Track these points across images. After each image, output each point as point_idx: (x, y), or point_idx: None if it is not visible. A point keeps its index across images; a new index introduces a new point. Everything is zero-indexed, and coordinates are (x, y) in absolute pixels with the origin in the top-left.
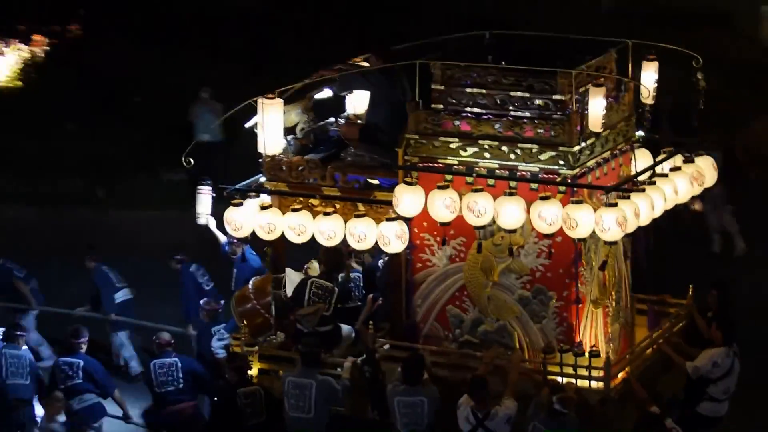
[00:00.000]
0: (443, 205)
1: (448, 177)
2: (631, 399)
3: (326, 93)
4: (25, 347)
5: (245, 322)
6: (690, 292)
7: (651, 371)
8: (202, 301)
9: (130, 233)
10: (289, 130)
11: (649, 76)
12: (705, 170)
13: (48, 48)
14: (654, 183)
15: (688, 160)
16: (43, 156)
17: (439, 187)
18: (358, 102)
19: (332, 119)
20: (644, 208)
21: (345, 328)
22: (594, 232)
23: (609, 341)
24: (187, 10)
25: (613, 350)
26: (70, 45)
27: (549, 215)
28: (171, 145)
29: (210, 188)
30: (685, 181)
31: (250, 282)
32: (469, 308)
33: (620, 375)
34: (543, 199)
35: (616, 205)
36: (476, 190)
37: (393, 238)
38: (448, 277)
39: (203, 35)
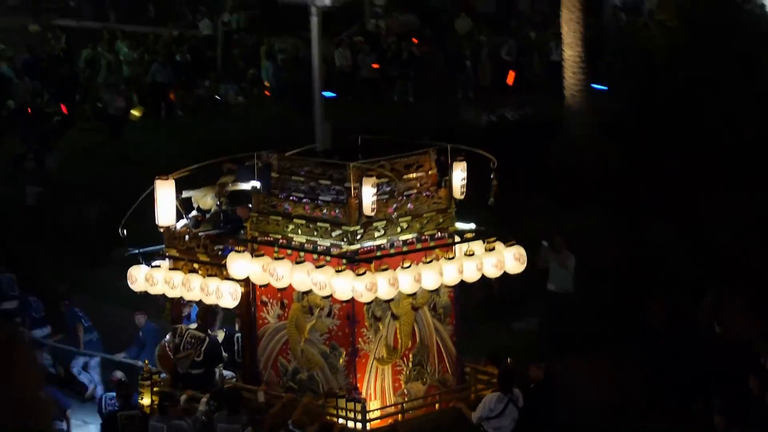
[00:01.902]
0: (259, 271)
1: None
2: None
3: (254, 184)
4: None
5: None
6: (508, 361)
7: (434, 422)
8: None
9: None
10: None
11: (458, 174)
12: (507, 257)
13: None
14: (431, 262)
15: (489, 249)
16: None
17: (255, 256)
18: None
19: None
20: (406, 280)
21: (227, 373)
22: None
23: (403, 395)
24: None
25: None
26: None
27: (318, 280)
28: (520, 296)
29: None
30: (474, 263)
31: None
32: (291, 359)
33: (389, 420)
34: (318, 267)
35: (364, 273)
36: (277, 258)
37: (225, 294)
38: (278, 332)
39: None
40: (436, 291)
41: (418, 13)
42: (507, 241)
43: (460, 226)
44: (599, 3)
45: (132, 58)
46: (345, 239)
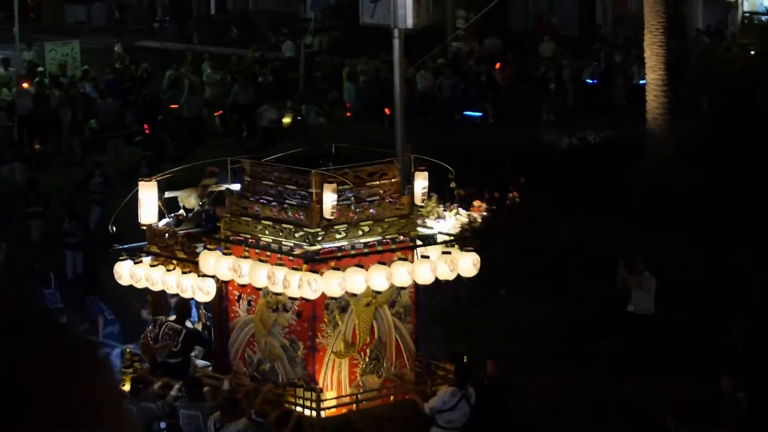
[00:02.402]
0: (227, 268)
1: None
2: (348, 428)
3: (231, 186)
4: None
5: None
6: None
7: (388, 413)
8: None
9: None
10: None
11: (420, 183)
12: (461, 262)
13: (485, 214)
14: (385, 263)
15: (445, 252)
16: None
17: (224, 254)
18: None
19: None
20: (356, 280)
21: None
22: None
23: (357, 387)
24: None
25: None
26: (508, 212)
27: (275, 277)
28: (599, 318)
29: None
30: (426, 267)
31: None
32: (257, 351)
33: (344, 409)
34: (279, 265)
35: (318, 272)
36: (243, 257)
37: (197, 289)
38: (246, 326)
39: (641, 206)
40: (398, 291)
41: (501, 37)
42: (465, 248)
43: (422, 231)
44: (683, 27)
45: (215, 79)
46: (306, 240)
